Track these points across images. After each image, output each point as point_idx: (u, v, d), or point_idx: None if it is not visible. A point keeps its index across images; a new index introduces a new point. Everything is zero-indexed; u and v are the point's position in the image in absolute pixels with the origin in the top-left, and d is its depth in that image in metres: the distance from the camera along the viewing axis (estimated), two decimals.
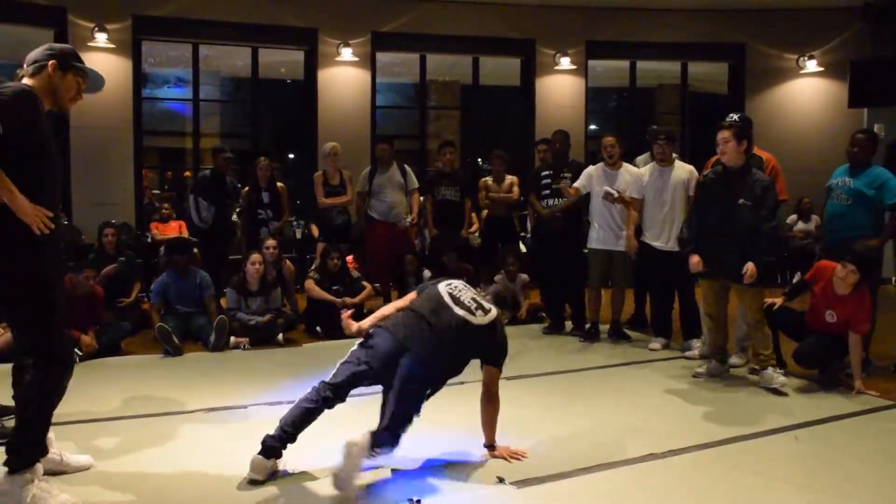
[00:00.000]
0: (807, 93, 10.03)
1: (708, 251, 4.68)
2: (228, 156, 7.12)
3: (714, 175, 4.77)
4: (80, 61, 2.96)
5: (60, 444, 3.13)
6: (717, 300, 4.84)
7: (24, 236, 2.66)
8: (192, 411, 4.06)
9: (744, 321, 5.04)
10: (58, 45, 2.97)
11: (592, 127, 10.68)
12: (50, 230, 2.72)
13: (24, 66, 2.89)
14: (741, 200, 4.51)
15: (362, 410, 3.87)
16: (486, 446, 3.44)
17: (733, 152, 4.56)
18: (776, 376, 4.59)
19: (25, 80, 2.85)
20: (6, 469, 2.75)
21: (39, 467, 2.80)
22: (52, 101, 2.88)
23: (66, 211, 7.75)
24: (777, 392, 4.48)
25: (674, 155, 5.80)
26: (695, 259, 4.73)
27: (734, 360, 5.16)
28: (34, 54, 2.89)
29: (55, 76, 2.84)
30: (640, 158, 6.62)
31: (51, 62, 2.83)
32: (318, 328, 6.19)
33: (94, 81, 3.00)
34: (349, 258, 7.54)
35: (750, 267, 4.42)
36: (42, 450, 2.84)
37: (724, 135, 4.57)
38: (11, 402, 3.86)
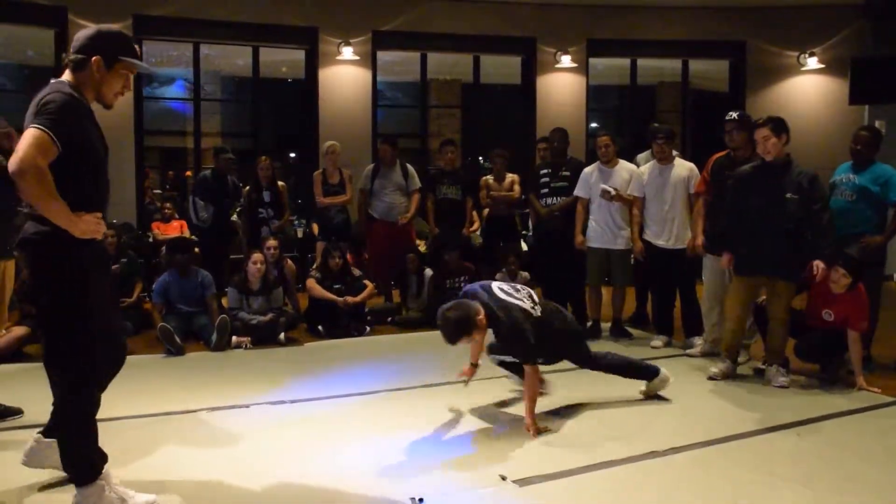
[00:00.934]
0: (808, 90, 10.02)
1: (749, 248, 4.62)
2: (230, 156, 7.12)
3: (752, 170, 4.67)
4: (129, 51, 2.73)
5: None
6: (748, 298, 4.73)
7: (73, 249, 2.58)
8: (195, 411, 4.06)
9: (750, 317, 5.00)
10: (105, 32, 2.73)
11: (594, 125, 10.67)
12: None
13: (70, 52, 2.69)
14: (788, 195, 4.44)
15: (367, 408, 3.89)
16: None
17: (776, 148, 4.48)
18: (779, 375, 4.59)
19: (66, 75, 2.68)
20: (75, 484, 2.69)
21: (109, 473, 2.74)
22: (96, 96, 2.72)
23: None
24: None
25: (674, 153, 5.80)
26: (727, 257, 4.74)
27: None
28: (79, 41, 2.68)
29: (99, 72, 2.66)
30: (640, 156, 6.62)
31: (94, 59, 2.64)
32: (319, 327, 6.19)
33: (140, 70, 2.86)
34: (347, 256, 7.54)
35: (819, 265, 4.42)
36: (101, 457, 2.75)
37: (763, 133, 4.49)
38: (12, 403, 3.91)
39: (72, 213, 2.54)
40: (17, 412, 3.88)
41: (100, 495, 2.69)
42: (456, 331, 3.60)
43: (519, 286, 4.07)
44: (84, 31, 2.72)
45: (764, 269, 4.59)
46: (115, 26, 2.80)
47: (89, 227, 2.59)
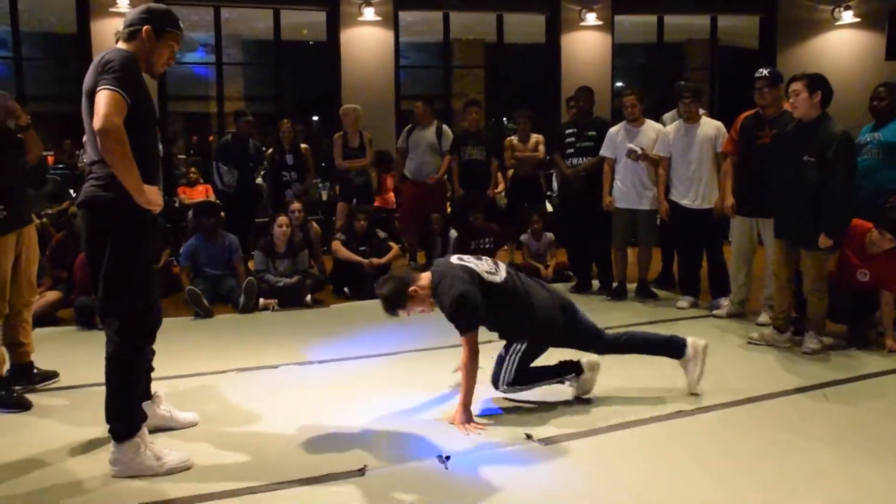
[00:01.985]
0: (842, 45, 9.73)
1: (779, 211, 4.52)
2: (249, 119, 7.12)
3: (789, 131, 4.53)
4: (176, 24, 2.93)
5: (91, 407, 3.20)
6: (785, 261, 4.57)
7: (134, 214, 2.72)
8: (224, 371, 4.14)
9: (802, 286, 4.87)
10: (154, 7, 2.94)
11: (619, 84, 10.50)
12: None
13: (122, 27, 2.89)
14: (806, 157, 4.28)
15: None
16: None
17: (805, 105, 4.29)
18: (811, 342, 4.48)
19: (120, 44, 2.85)
20: (113, 438, 2.81)
21: (145, 432, 2.85)
22: (146, 66, 2.88)
23: None
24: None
25: (701, 111, 5.69)
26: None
27: (762, 318, 5.11)
28: (130, 17, 2.88)
29: (149, 42, 2.84)
30: (666, 116, 6.51)
31: (145, 28, 2.82)
32: (345, 289, 6.25)
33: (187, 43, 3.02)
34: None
35: (822, 238, 4.23)
36: (140, 417, 2.86)
37: (795, 87, 4.32)
38: (48, 367, 4.00)
39: (141, 181, 2.68)
40: (53, 376, 3.98)
41: (136, 452, 2.78)
42: (387, 305, 3.39)
43: (485, 258, 3.60)
44: (135, 9, 2.92)
45: (792, 236, 4.49)
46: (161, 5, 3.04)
47: (153, 197, 2.75)
